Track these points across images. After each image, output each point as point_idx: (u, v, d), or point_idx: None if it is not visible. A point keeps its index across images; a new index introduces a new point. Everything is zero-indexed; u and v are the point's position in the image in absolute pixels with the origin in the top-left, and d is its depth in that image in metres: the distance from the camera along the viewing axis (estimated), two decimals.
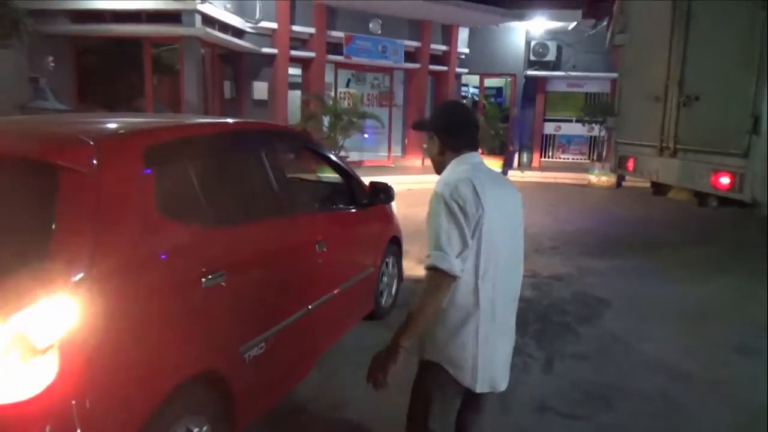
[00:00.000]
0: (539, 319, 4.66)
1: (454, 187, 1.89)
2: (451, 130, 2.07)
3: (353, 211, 3.93)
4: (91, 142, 1.98)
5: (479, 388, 2.01)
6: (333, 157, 3.95)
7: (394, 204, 4.57)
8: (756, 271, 6.03)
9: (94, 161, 1.93)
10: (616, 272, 6.33)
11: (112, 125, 2.50)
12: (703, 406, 3.41)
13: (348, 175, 3.97)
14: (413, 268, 5.50)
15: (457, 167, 2.01)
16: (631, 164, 6.96)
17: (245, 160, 2.92)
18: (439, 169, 2.11)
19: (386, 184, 4.08)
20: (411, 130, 14.07)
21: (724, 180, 5.33)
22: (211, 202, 2.42)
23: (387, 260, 4.45)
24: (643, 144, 6.64)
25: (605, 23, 7.82)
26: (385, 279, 4.43)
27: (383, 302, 4.44)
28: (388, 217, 4.54)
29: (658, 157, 6.36)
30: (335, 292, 3.37)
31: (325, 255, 3.18)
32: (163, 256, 2.09)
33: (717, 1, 5.56)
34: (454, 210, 1.86)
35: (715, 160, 5.48)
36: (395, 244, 4.62)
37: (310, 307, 3.01)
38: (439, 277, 1.85)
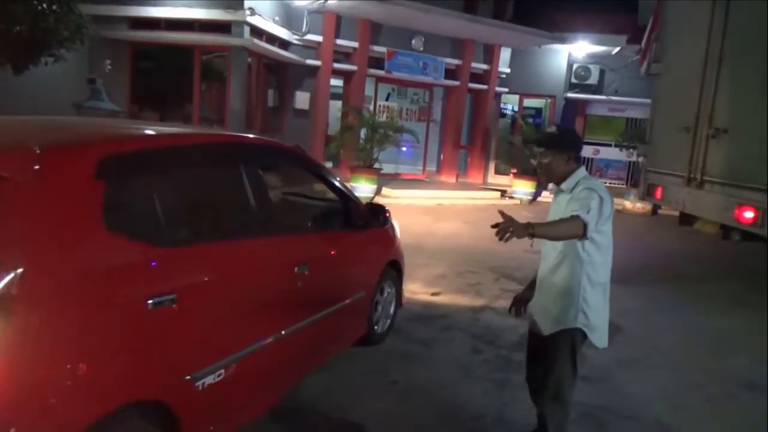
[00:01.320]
0: None
1: (604, 190, 2.57)
2: (579, 148, 2.82)
3: (345, 232, 3.73)
4: (37, 150, 1.89)
5: (603, 344, 2.80)
6: (328, 176, 3.77)
7: (397, 226, 4.50)
8: None
9: (36, 170, 1.85)
10: (636, 300, 6.33)
11: (72, 133, 2.41)
12: None
13: (344, 195, 3.76)
14: (430, 283, 5.64)
15: (590, 177, 2.74)
16: (659, 193, 6.98)
17: (216, 176, 2.76)
18: (556, 178, 2.69)
19: (382, 207, 3.94)
20: (447, 146, 14.27)
21: (748, 214, 5.33)
22: (169, 220, 2.31)
23: (384, 285, 4.24)
24: (671, 173, 6.66)
25: (641, 50, 7.85)
26: (381, 304, 4.23)
27: (378, 328, 4.25)
28: (388, 240, 4.36)
29: (685, 187, 6.38)
30: (316, 316, 3.18)
31: (305, 278, 3.00)
32: (103, 274, 1.96)
33: (750, 37, 5.59)
34: (602, 202, 2.49)
35: (739, 193, 5.49)
36: (394, 268, 4.42)
37: (283, 332, 2.82)
38: (578, 227, 2.40)
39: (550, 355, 2.73)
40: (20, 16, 7.18)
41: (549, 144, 2.69)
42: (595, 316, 2.70)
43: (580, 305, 2.64)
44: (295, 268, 2.95)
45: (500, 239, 2.21)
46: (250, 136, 3.56)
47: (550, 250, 2.73)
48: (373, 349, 4.20)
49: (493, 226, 2.23)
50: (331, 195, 3.88)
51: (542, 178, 2.80)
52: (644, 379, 4.23)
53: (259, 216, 2.85)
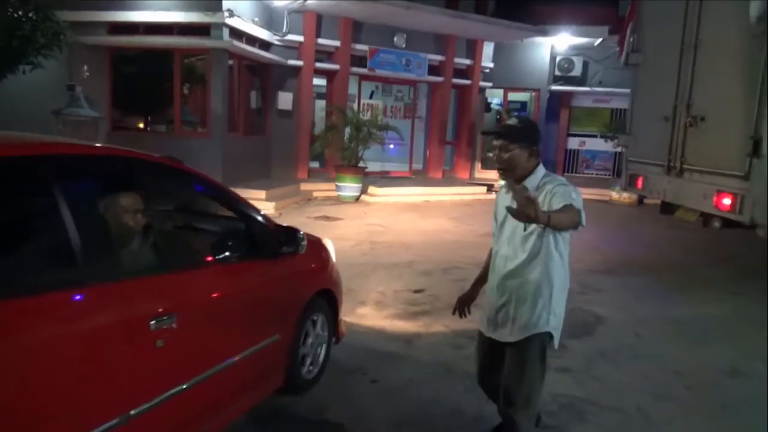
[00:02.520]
0: None
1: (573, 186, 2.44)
2: (539, 142, 2.57)
3: (246, 263, 2.90)
4: None
5: (555, 346, 2.65)
6: (220, 192, 3.07)
7: (330, 245, 3.96)
8: (762, 294, 5.99)
9: None
10: (621, 290, 6.37)
11: None
12: (678, 426, 3.48)
13: (245, 215, 3.04)
14: (414, 280, 5.60)
15: (551, 174, 2.56)
16: (640, 182, 7.01)
17: (7, 204, 1.99)
18: (519, 173, 2.49)
19: (294, 230, 3.18)
20: (432, 143, 14.27)
21: (726, 201, 5.36)
22: None
23: (311, 320, 3.53)
24: (652, 163, 6.69)
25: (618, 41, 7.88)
26: (308, 343, 3.51)
27: (304, 372, 3.49)
28: (314, 266, 3.67)
29: (665, 176, 6.41)
30: (194, 380, 2.45)
31: (170, 334, 2.27)
32: None
33: (724, 26, 5.62)
34: (579, 195, 2.39)
35: (718, 181, 5.51)
36: (326, 299, 3.71)
37: (132, 412, 2.10)
38: (577, 215, 2.27)
39: (519, 363, 2.55)
40: None
41: (512, 137, 2.49)
42: (560, 317, 2.59)
43: (552, 307, 2.51)
44: (151, 323, 2.20)
45: (520, 220, 2.18)
46: (79, 144, 2.63)
47: (515, 250, 2.53)
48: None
49: (509, 209, 2.11)
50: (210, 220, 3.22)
51: (504, 173, 2.53)
52: (626, 369, 4.24)
53: (83, 257, 2.03)
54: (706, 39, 5.85)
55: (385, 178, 13.27)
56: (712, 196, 5.55)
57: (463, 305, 2.90)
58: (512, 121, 2.62)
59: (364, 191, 11.77)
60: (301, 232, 3.22)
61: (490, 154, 2.61)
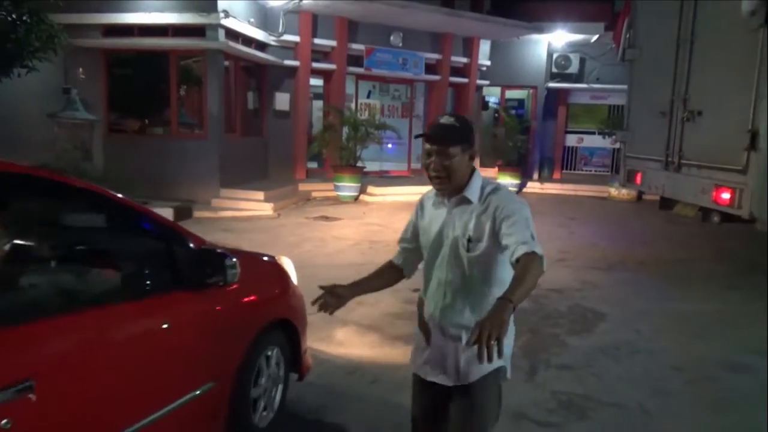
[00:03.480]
0: (530, 330, 4.75)
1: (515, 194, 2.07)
2: (474, 142, 2.09)
3: (154, 299, 2.35)
4: None
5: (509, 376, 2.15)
6: (123, 205, 2.41)
7: (290, 266, 3.41)
8: (760, 289, 5.98)
9: None
10: (621, 286, 6.36)
11: None
12: (678, 420, 3.46)
13: (161, 237, 2.48)
14: (411, 281, 5.58)
15: (486, 178, 2.09)
16: (639, 178, 7.00)
17: None
18: (458, 182, 2.00)
19: (219, 255, 2.53)
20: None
21: (725, 195, 5.34)
22: None
23: (263, 359, 2.94)
24: (650, 158, 6.68)
25: (613, 37, 7.87)
26: (261, 384, 2.94)
27: (257, 419, 2.93)
28: (266, 294, 3.09)
29: (664, 171, 6.39)
30: None
31: (22, 408, 1.67)
32: None
33: (719, 20, 5.60)
34: (529, 211, 1.97)
35: (716, 175, 5.50)
36: (285, 329, 3.12)
37: None
38: (541, 264, 1.80)
39: (472, 410, 2.04)
40: None
41: (452, 139, 1.98)
42: (512, 341, 2.14)
43: (509, 338, 2.06)
44: None
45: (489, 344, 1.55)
46: None
47: (457, 279, 2.03)
48: None
49: (473, 344, 1.57)
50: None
51: (441, 184, 2.01)
52: (626, 365, 4.23)
53: None
54: (701, 33, 5.84)
55: (384, 178, 13.25)
56: (711, 191, 5.53)
57: (328, 298, 2.13)
58: (448, 120, 2.05)
59: (362, 191, 11.75)
60: (232, 258, 2.53)
61: (425, 162, 2.03)
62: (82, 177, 8.71)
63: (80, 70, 9.83)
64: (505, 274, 1.96)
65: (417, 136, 2.20)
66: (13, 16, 7.45)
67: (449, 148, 1.97)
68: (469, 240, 1.98)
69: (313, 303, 2.13)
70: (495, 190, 2.02)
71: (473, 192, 2.02)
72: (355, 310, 4.97)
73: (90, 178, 8.81)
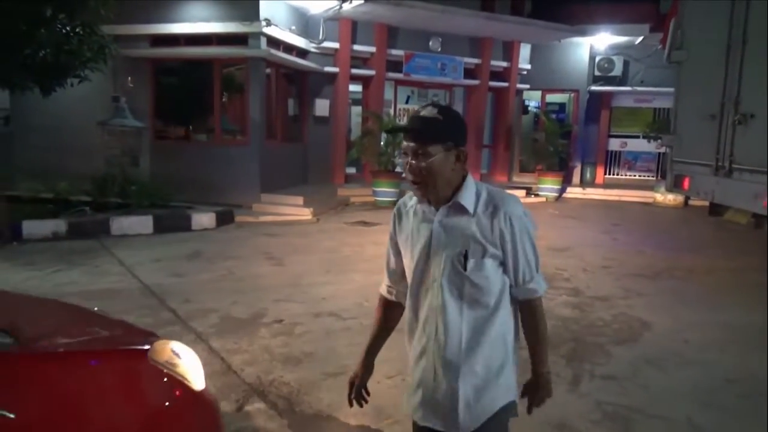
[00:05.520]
0: (573, 339, 4.65)
1: (520, 204, 1.75)
2: (465, 140, 1.74)
3: None
4: None
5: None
6: None
7: (187, 357, 2.01)
8: None
9: None
10: (668, 295, 6.16)
11: None
12: None
13: None
14: None
15: (484, 183, 1.78)
16: (686, 183, 6.78)
17: None
18: (443, 188, 1.69)
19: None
20: (469, 146, 14.05)
21: None
22: None
23: None
24: (698, 163, 6.47)
25: (661, 39, 7.66)
26: None
27: None
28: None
29: (713, 176, 6.18)
30: None
31: None
32: None
33: None
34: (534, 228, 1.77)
35: None
36: None
37: None
38: (541, 304, 1.81)
39: None
40: (45, 41, 7.40)
41: (431, 135, 1.65)
42: (516, 369, 1.87)
43: (513, 360, 1.81)
44: None
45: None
46: None
47: (453, 304, 1.70)
48: None
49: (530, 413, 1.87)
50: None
51: (419, 191, 1.70)
52: (673, 376, 4.09)
53: None
54: (754, 34, 5.63)
55: None
56: (764, 196, 5.31)
57: (359, 391, 1.98)
58: (430, 112, 1.67)
59: (400, 196, 11.73)
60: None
61: (402, 161, 1.72)
62: (130, 182, 9.04)
63: (129, 78, 10.17)
64: (512, 305, 1.77)
65: (389, 131, 1.83)
66: (67, 28, 7.77)
67: (428, 146, 1.64)
68: (466, 256, 1.67)
69: (351, 404, 1.99)
70: (494, 197, 1.71)
71: (467, 199, 1.69)
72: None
73: (137, 183, 9.11)
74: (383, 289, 2.00)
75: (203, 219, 8.93)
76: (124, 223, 8.31)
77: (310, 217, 9.95)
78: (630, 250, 8.33)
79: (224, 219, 9.23)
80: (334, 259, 7.21)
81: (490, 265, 1.69)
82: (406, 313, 1.86)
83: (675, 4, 7.26)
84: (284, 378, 3.80)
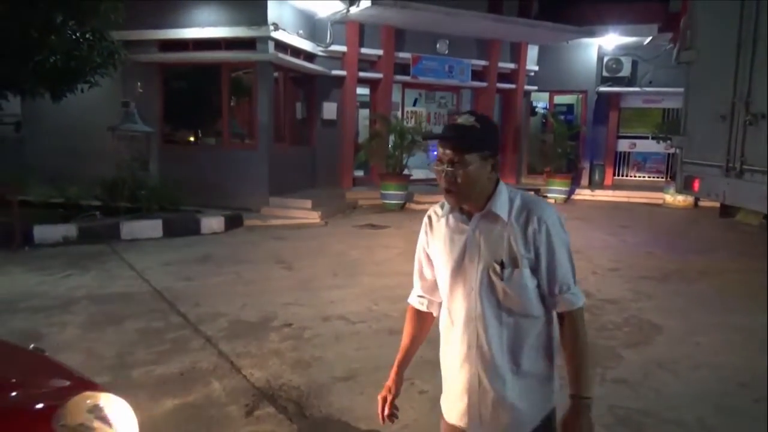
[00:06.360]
0: None
1: (554, 211, 1.71)
2: (499, 148, 1.76)
3: None
4: None
5: None
6: None
7: (124, 427, 1.70)
8: None
9: None
10: (678, 297, 6.12)
11: None
12: None
13: None
14: None
15: (516, 189, 1.77)
16: (697, 185, 6.72)
17: None
18: (477, 196, 1.68)
19: None
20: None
21: None
22: None
23: None
24: (709, 164, 6.41)
25: (671, 38, 7.61)
26: None
27: None
28: None
29: (724, 177, 6.13)
30: None
31: None
32: None
33: None
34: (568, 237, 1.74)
35: None
36: None
37: None
38: (583, 318, 1.72)
39: None
40: (55, 47, 7.47)
41: (469, 143, 1.64)
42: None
43: (555, 361, 1.79)
44: None
45: None
46: None
47: (492, 312, 1.69)
48: None
49: None
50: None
51: (454, 199, 1.69)
52: (686, 379, 4.06)
53: None
54: (764, 34, 5.58)
55: (430, 186, 13.21)
56: None
57: (391, 408, 1.93)
58: (466, 120, 1.67)
59: (409, 199, 11.75)
60: None
61: (436, 169, 1.69)
62: (140, 186, 9.10)
63: (138, 84, 10.25)
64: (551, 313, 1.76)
65: (426, 137, 1.75)
66: (77, 34, 7.84)
67: (465, 155, 1.62)
68: (502, 265, 1.66)
69: (383, 421, 1.92)
70: (528, 204, 1.69)
71: (501, 206, 1.68)
72: None
73: (147, 187, 9.17)
74: (414, 300, 1.96)
75: (212, 223, 8.97)
76: (134, 227, 8.37)
77: (318, 220, 9.97)
78: (639, 252, 8.28)
79: (233, 223, 9.26)
80: (342, 263, 7.22)
81: (527, 273, 1.67)
82: (442, 321, 1.84)
83: (685, 4, 7.22)
84: (294, 382, 3.81)
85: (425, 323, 1.97)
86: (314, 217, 10.00)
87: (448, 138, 1.66)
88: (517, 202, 1.69)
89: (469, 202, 1.70)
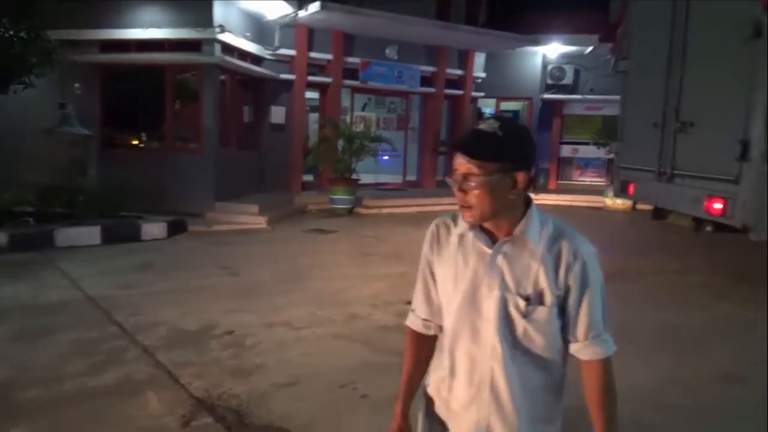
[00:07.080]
0: None
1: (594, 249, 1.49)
2: (533, 163, 1.46)
3: None
4: None
5: None
6: None
7: None
8: (756, 299, 5.97)
9: None
10: (612, 297, 6.23)
11: None
12: None
13: None
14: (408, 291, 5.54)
15: (549, 215, 1.53)
16: (632, 189, 7.01)
17: None
18: (500, 213, 1.44)
19: None
20: (427, 153, 14.26)
21: (717, 205, 5.34)
22: None
23: None
24: (642, 169, 6.69)
25: (611, 49, 7.93)
26: None
27: None
28: None
29: (656, 182, 6.40)
30: None
31: None
32: None
33: (711, 32, 5.65)
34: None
35: (708, 185, 5.51)
36: None
37: None
38: (611, 368, 1.53)
39: None
40: None
41: (488, 153, 1.39)
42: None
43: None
44: None
45: None
46: None
47: (505, 355, 1.48)
48: None
49: None
50: None
51: (469, 218, 1.45)
52: (618, 376, 4.17)
53: None
54: (694, 44, 5.87)
55: (379, 190, 13.26)
56: (703, 201, 5.53)
57: None
58: (489, 126, 1.40)
59: (358, 203, 11.76)
60: None
61: (449, 181, 1.46)
62: (78, 192, 8.74)
63: (76, 85, 9.87)
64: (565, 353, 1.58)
65: (442, 150, 1.51)
66: (11, 32, 7.50)
67: (479, 166, 1.38)
68: (528, 300, 1.44)
69: None
70: (562, 232, 1.48)
71: (531, 233, 1.45)
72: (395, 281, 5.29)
73: (85, 192, 8.82)
74: (417, 324, 1.68)
75: (154, 229, 8.71)
76: (70, 234, 8.03)
77: (264, 225, 9.84)
78: None
79: (177, 228, 9.02)
80: (288, 268, 7.14)
81: (554, 312, 1.46)
82: (442, 350, 1.62)
83: (622, 15, 7.52)
84: (234, 390, 3.73)
85: (429, 346, 1.70)
86: (261, 222, 9.86)
87: (460, 146, 1.43)
88: (549, 229, 1.47)
89: (489, 221, 1.46)
